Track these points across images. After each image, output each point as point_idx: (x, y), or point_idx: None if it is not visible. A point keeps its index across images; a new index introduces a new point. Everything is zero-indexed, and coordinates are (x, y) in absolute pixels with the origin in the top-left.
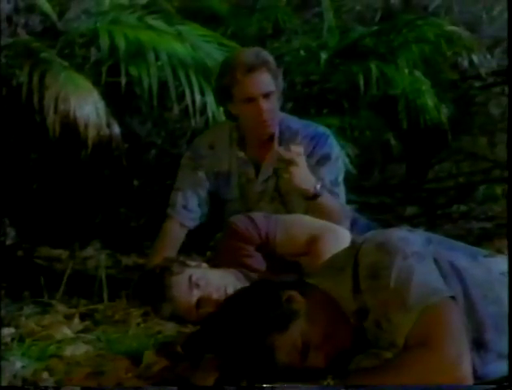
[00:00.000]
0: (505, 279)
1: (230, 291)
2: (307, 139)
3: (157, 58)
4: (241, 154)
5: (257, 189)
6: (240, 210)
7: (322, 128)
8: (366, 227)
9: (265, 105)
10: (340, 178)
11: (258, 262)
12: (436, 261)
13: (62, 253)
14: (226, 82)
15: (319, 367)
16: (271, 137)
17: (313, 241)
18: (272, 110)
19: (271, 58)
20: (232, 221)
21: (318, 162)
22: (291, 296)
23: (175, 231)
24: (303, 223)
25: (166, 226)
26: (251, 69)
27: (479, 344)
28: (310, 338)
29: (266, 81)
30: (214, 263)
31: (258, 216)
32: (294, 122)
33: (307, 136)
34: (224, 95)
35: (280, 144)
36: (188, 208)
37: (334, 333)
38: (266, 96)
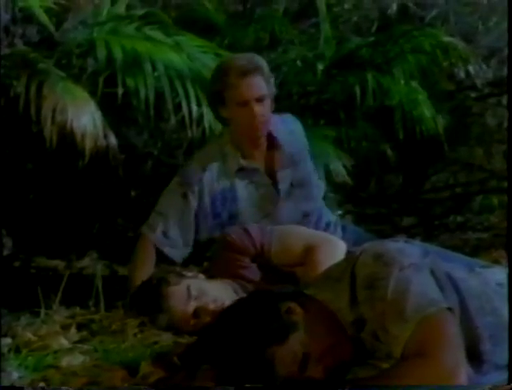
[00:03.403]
0: (502, 290)
1: (227, 302)
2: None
3: (154, 69)
4: (245, 163)
5: (273, 190)
6: (255, 217)
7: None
8: (355, 233)
9: (257, 108)
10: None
11: (254, 273)
12: (432, 272)
13: (59, 264)
14: (218, 86)
15: (318, 379)
16: (271, 138)
17: (308, 252)
18: (264, 114)
19: (263, 63)
20: (227, 233)
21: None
22: (290, 307)
23: (151, 252)
24: (298, 233)
25: (142, 245)
26: (245, 73)
27: (474, 356)
28: (310, 350)
29: (259, 85)
30: (210, 275)
31: (252, 227)
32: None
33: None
34: (216, 99)
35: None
36: (167, 235)
37: (333, 344)
38: (259, 100)
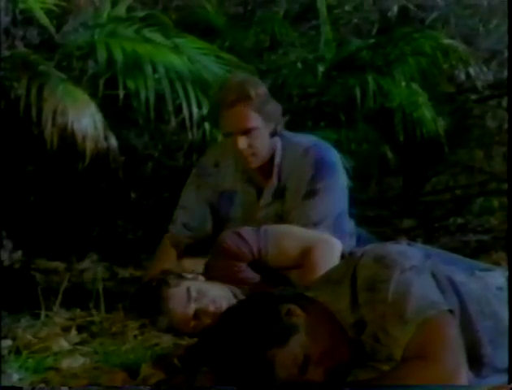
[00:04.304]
0: (502, 295)
1: (226, 303)
2: (311, 164)
3: (154, 71)
4: (246, 176)
5: (259, 214)
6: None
7: (328, 153)
8: (369, 241)
9: (242, 142)
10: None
11: (253, 276)
12: (433, 275)
13: (59, 266)
14: (214, 112)
15: (318, 381)
16: (271, 163)
17: (306, 253)
18: (253, 146)
19: (256, 91)
20: (222, 240)
21: (311, 193)
22: (290, 309)
23: (170, 250)
24: (294, 234)
25: (164, 241)
26: (231, 105)
27: (475, 359)
28: (311, 352)
29: (246, 117)
30: (208, 279)
31: (246, 231)
32: (301, 138)
33: (311, 161)
34: (216, 122)
35: (282, 165)
36: (188, 226)
37: (333, 347)
38: (246, 132)
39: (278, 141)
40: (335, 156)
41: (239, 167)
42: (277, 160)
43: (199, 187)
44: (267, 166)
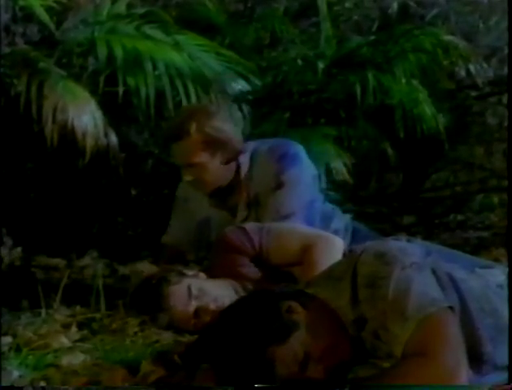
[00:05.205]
0: (503, 292)
1: (227, 301)
2: (274, 160)
3: (154, 68)
4: (213, 202)
5: None
6: None
7: (291, 147)
8: (366, 236)
9: (187, 175)
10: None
11: (254, 272)
12: (434, 271)
13: (60, 263)
14: (165, 144)
15: (319, 379)
16: (239, 178)
17: (305, 251)
18: (200, 178)
19: (199, 126)
20: (225, 233)
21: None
22: (291, 306)
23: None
24: (295, 232)
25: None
26: (175, 138)
27: (475, 357)
28: (311, 349)
29: (190, 152)
30: (210, 275)
31: (250, 227)
32: (265, 142)
33: (275, 158)
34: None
35: (251, 171)
36: (176, 236)
37: (334, 344)
38: (191, 166)
39: (244, 156)
40: (298, 148)
41: (205, 197)
42: (244, 173)
43: (182, 212)
44: (235, 182)
